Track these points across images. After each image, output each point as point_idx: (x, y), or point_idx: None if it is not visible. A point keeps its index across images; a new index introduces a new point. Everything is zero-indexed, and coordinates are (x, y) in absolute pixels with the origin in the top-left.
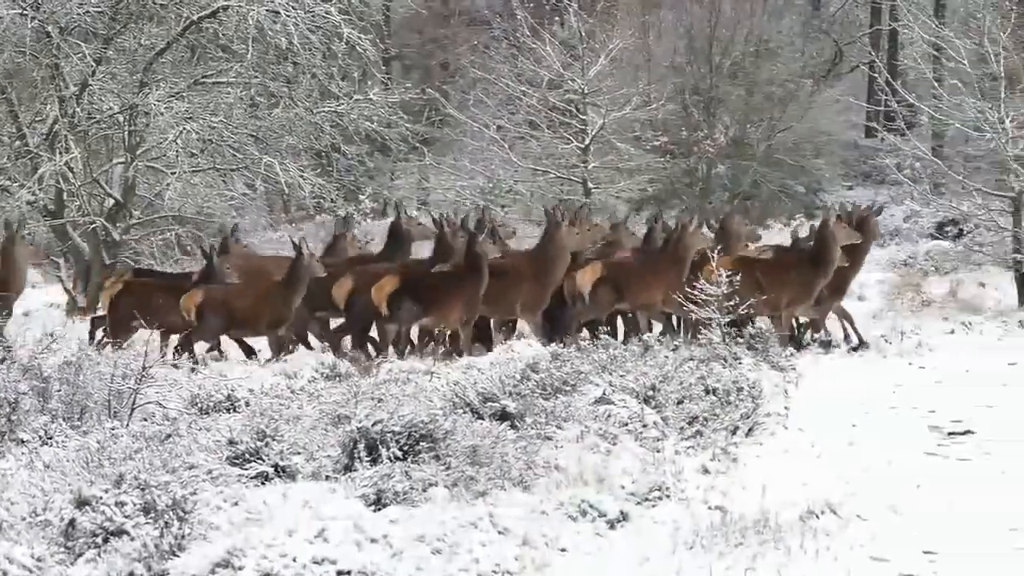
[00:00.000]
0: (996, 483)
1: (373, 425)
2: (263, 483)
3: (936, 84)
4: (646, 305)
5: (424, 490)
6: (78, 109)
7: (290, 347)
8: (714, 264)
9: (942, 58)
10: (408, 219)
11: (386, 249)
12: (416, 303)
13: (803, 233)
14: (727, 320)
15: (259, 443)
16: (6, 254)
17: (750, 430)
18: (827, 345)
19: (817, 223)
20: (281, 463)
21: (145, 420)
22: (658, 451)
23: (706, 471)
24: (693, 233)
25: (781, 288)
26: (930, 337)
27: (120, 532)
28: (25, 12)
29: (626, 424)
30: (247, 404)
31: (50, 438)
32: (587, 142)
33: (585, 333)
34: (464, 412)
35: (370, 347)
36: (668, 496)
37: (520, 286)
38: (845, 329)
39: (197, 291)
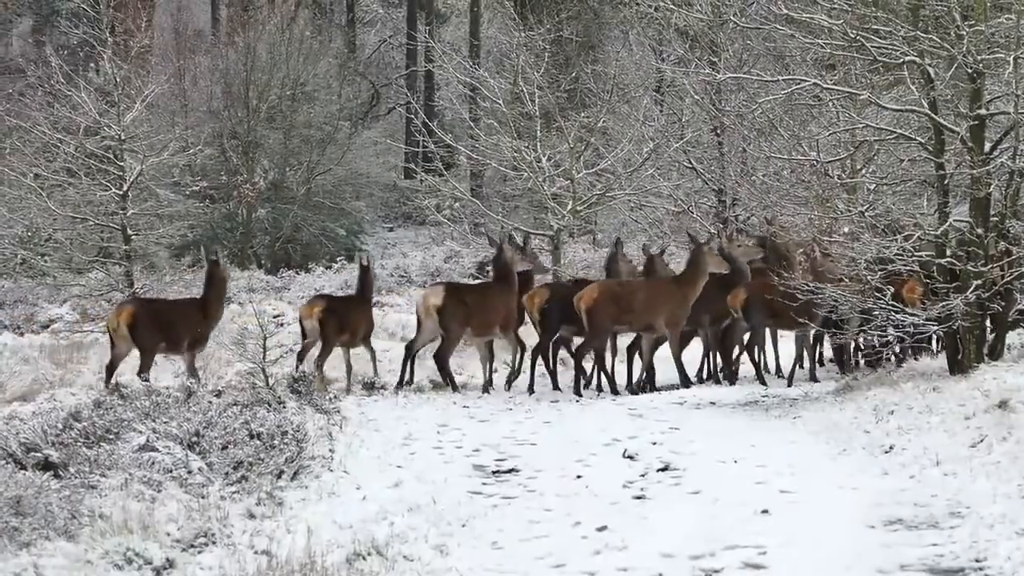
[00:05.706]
0: (540, 519)
1: None
2: None
3: (473, 124)
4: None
5: None
6: None
7: None
8: None
9: (478, 98)
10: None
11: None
12: None
13: None
14: None
15: None
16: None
17: (295, 474)
18: (371, 387)
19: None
20: None
21: None
22: (203, 497)
23: (252, 516)
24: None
25: None
26: (474, 375)
27: None
28: None
29: (170, 471)
30: None
31: None
32: (125, 188)
33: None
34: (7, 463)
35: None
36: (214, 542)
37: None
38: None
39: None
